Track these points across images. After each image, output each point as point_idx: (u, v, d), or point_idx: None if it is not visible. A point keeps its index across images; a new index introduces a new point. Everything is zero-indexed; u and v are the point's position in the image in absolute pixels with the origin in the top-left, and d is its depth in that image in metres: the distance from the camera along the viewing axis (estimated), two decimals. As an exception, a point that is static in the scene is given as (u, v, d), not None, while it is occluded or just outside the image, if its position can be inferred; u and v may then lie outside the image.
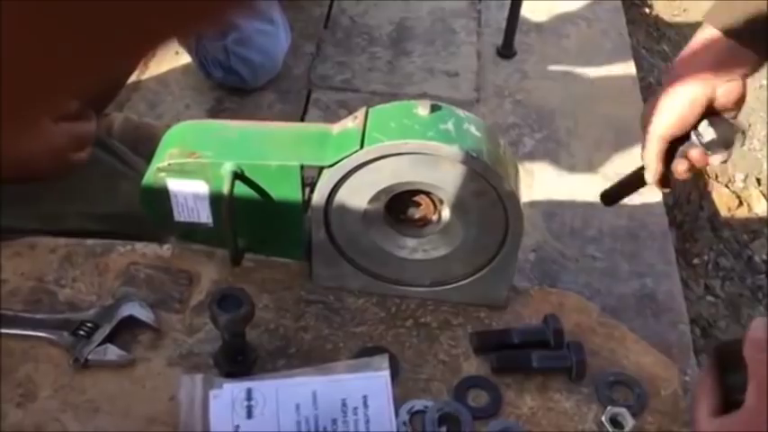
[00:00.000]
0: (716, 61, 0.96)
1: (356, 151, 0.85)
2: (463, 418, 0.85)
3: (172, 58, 1.86)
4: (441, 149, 0.84)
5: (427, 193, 0.91)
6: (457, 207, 0.90)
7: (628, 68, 1.94)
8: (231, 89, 1.74)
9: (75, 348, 0.89)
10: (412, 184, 0.89)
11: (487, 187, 0.87)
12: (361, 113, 0.89)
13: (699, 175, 1.98)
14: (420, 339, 0.95)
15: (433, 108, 0.87)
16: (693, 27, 2.54)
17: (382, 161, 0.86)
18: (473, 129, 0.88)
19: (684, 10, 2.52)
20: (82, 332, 0.90)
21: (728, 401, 0.69)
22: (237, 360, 0.88)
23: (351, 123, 0.89)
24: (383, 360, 0.89)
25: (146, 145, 1.25)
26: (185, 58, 1.86)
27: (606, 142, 1.72)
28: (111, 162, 1.13)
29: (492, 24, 1.91)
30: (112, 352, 0.89)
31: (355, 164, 0.86)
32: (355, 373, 0.87)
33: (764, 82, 2.30)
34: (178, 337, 0.93)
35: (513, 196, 0.88)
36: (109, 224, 1.09)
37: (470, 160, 0.85)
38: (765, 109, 2.20)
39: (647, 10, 2.48)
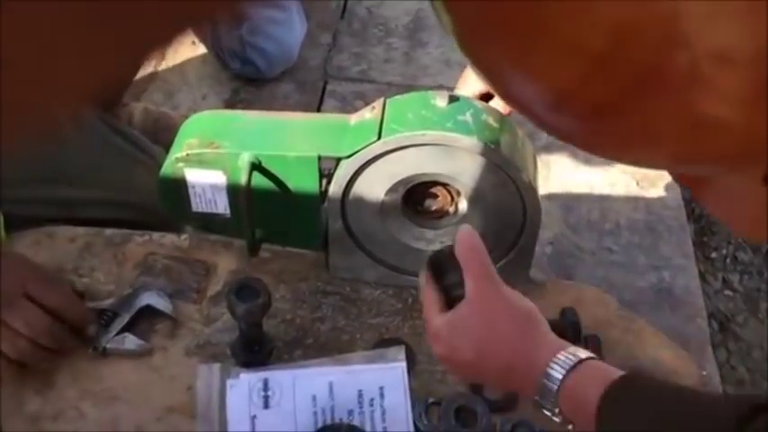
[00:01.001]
0: None
1: (374, 142, 0.85)
2: (480, 411, 0.85)
3: (189, 48, 1.86)
4: (459, 141, 0.84)
5: (444, 185, 0.91)
6: (474, 199, 0.90)
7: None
8: (248, 80, 1.75)
9: (93, 337, 0.89)
10: (429, 176, 0.88)
11: (505, 179, 0.87)
12: (378, 104, 0.89)
13: (717, 168, 1.96)
14: (436, 331, 0.95)
15: (451, 99, 0.87)
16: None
17: (400, 152, 0.86)
18: (491, 120, 0.87)
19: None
20: (101, 321, 0.91)
21: (450, 300, 0.76)
22: (254, 350, 0.89)
23: (368, 114, 0.89)
24: (399, 351, 0.89)
25: (165, 135, 1.26)
26: (202, 49, 1.86)
27: (624, 134, 1.71)
28: (130, 150, 1.14)
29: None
30: (131, 341, 0.90)
31: (373, 155, 0.86)
32: (372, 365, 0.88)
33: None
34: (195, 327, 0.94)
35: (531, 188, 0.87)
36: (127, 212, 1.10)
37: (488, 152, 0.85)
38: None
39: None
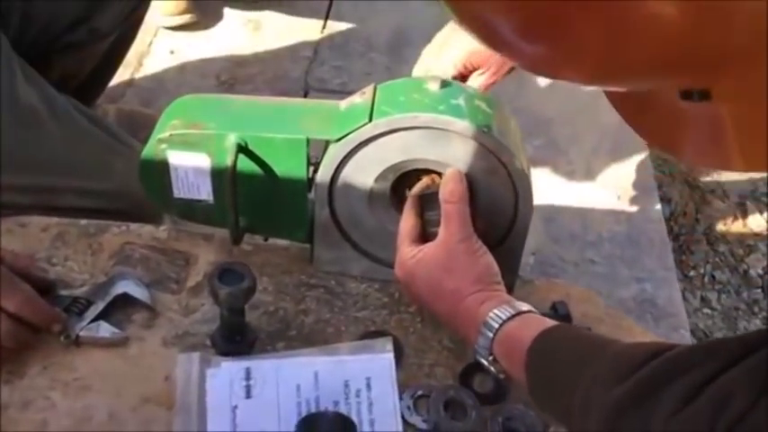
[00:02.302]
0: None
1: (364, 124, 0.83)
2: (469, 404, 0.82)
3: (167, 57, 1.84)
4: (452, 124, 0.82)
5: (435, 173, 0.89)
6: (470, 194, 0.87)
7: (625, 80, 1.93)
8: (228, 88, 1.72)
9: (66, 325, 0.85)
10: (420, 162, 0.86)
11: (497, 165, 0.85)
12: (369, 89, 0.87)
13: (694, 188, 1.98)
14: (424, 325, 0.92)
15: (444, 84, 0.85)
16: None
17: (391, 136, 0.84)
18: (484, 105, 0.86)
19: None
20: (74, 309, 0.86)
21: (425, 235, 0.85)
22: (236, 340, 0.85)
23: (358, 99, 0.87)
24: (387, 342, 0.86)
25: (142, 132, 1.23)
26: (181, 57, 1.84)
27: (604, 150, 1.71)
28: (107, 140, 1.10)
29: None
30: (105, 329, 0.86)
31: (363, 138, 0.84)
32: (358, 355, 0.84)
33: (757, 101, 2.31)
34: (174, 318, 0.90)
35: (524, 174, 0.86)
36: (104, 202, 1.06)
37: (481, 136, 0.83)
38: (759, 127, 2.21)
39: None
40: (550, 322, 0.74)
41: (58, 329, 0.84)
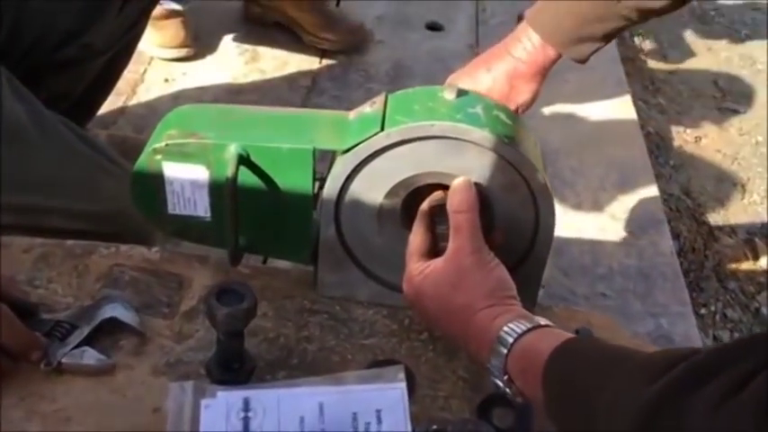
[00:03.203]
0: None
1: (376, 134, 0.77)
2: (489, 439, 0.75)
3: (161, 85, 1.79)
4: (470, 133, 0.77)
5: (449, 188, 0.83)
6: (482, 205, 0.81)
7: (629, 113, 1.90)
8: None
9: (47, 350, 0.77)
10: (434, 175, 0.80)
11: (518, 180, 0.80)
12: (379, 98, 0.82)
13: (701, 224, 1.93)
14: (437, 353, 0.85)
15: (460, 93, 0.80)
16: (687, 82, 2.52)
17: (404, 147, 0.78)
18: (503, 116, 0.81)
19: (677, 68, 2.53)
20: (56, 333, 0.79)
21: (437, 249, 0.79)
22: (233, 368, 0.78)
23: (369, 108, 0.81)
24: (398, 371, 0.79)
25: (133, 158, 1.17)
26: (175, 86, 1.79)
27: (611, 182, 1.67)
28: (96, 158, 1.04)
29: (492, 65, 1.88)
30: (90, 356, 0.78)
31: (374, 148, 0.78)
32: (367, 385, 0.77)
33: (761, 138, 2.28)
34: (165, 344, 0.82)
35: (546, 190, 0.80)
36: (91, 223, 0.99)
37: (501, 147, 0.77)
38: (764, 164, 2.18)
39: (642, 64, 2.48)
40: (568, 335, 0.68)
41: (38, 357, 0.77)
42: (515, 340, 0.70)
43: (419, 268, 0.79)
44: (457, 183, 0.78)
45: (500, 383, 0.71)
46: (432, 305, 0.78)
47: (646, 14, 0.90)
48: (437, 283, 0.77)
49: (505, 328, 0.71)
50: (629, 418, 0.54)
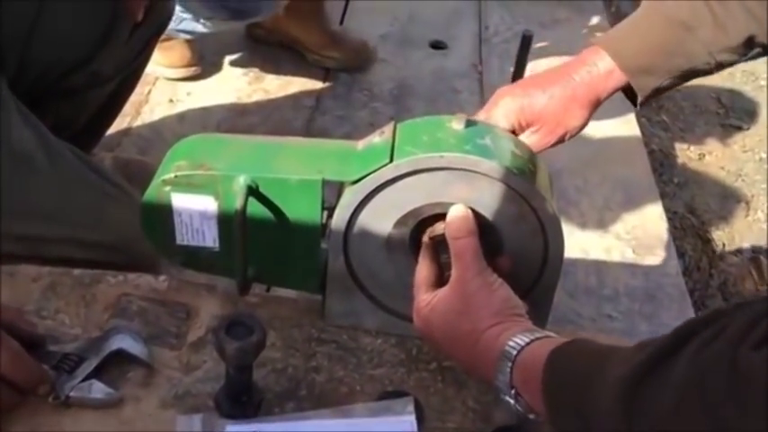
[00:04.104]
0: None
1: (385, 165, 0.77)
2: (500, 472, 0.75)
3: (166, 106, 1.79)
4: (479, 164, 0.77)
5: (458, 219, 0.82)
6: (490, 236, 0.81)
7: (633, 131, 1.90)
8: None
9: (55, 384, 0.77)
10: (443, 206, 0.80)
11: (526, 211, 0.79)
12: (388, 128, 0.82)
13: (706, 242, 1.92)
14: (446, 384, 0.85)
15: (469, 123, 0.80)
16: (690, 99, 2.52)
17: (413, 178, 0.78)
18: (512, 146, 0.81)
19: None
20: (64, 366, 0.79)
21: (443, 279, 0.79)
22: (242, 401, 0.78)
23: (377, 138, 0.81)
24: (408, 403, 0.78)
25: (138, 180, 1.17)
26: (181, 106, 1.79)
27: (615, 201, 1.66)
28: (103, 186, 1.04)
29: (495, 84, 1.87)
30: (98, 389, 0.78)
31: (383, 180, 0.78)
32: (377, 417, 0.77)
33: (764, 155, 2.28)
34: (173, 376, 0.82)
35: (556, 221, 0.80)
36: (97, 253, 0.99)
37: (511, 178, 0.77)
38: (767, 181, 2.17)
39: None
40: (565, 339, 0.68)
41: (46, 390, 0.77)
42: (518, 353, 0.70)
43: (426, 299, 0.79)
44: (453, 211, 0.79)
45: (510, 400, 0.71)
46: (440, 335, 0.78)
47: (714, 54, 0.88)
48: (444, 312, 0.77)
49: (510, 343, 0.71)
50: (613, 401, 0.56)
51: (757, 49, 0.90)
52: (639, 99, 0.92)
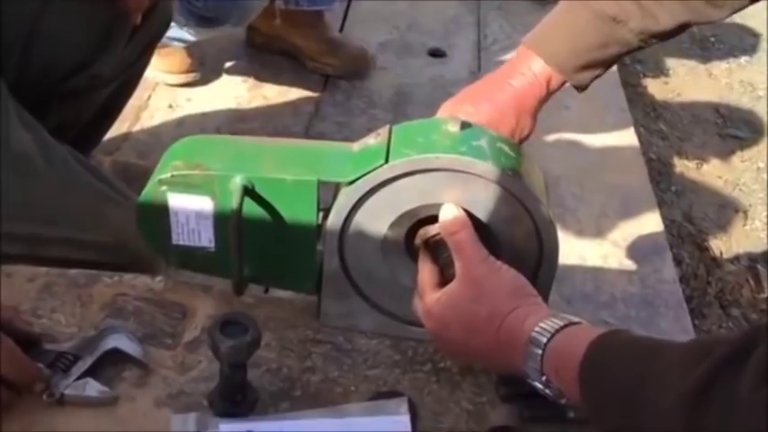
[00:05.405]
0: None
1: (380, 166, 0.78)
2: (493, 473, 0.75)
3: (165, 111, 1.80)
4: (474, 166, 0.77)
5: (453, 220, 0.83)
6: (486, 237, 0.81)
7: (631, 140, 1.91)
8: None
9: (50, 382, 0.77)
10: (438, 207, 0.80)
11: (521, 213, 0.80)
12: (384, 130, 0.82)
13: (704, 250, 1.93)
14: (440, 385, 0.85)
15: (464, 125, 0.80)
16: (688, 108, 2.53)
17: (408, 179, 0.79)
18: (507, 148, 0.81)
19: (678, 94, 2.54)
20: (59, 365, 0.79)
21: (445, 279, 0.79)
22: (236, 400, 0.78)
23: (372, 140, 0.82)
24: (402, 403, 0.79)
25: (137, 184, 1.17)
26: (179, 112, 1.80)
27: (613, 209, 1.67)
28: (101, 188, 1.04)
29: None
30: (93, 387, 0.78)
31: (379, 181, 0.78)
32: (370, 417, 0.77)
33: (762, 165, 2.29)
34: (168, 375, 0.82)
35: (551, 223, 0.80)
36: (94, 253, 0.99)
37: (506, 180, 0.78)
38: (765, 190, 2.18)
39: (643, 90, 2.49)
40: (602, 331, 0.68)
41: (41, 388, 0.77)
42: (548, 340, 0.69)
43: (435, 298, 0.78)
44: (444, 210, 0.79)
45: (539, 385, 0.71)
46: (457, 329, 0.77)
47: (647, 39, 0.91)
48: (456, 306, 0.76)
49: (537, 329, 0.70)
50: (677, 404, 0.55)
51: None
52: (581, 90, 0.94)
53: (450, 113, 0.90)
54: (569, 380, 0.66)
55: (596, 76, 0.94)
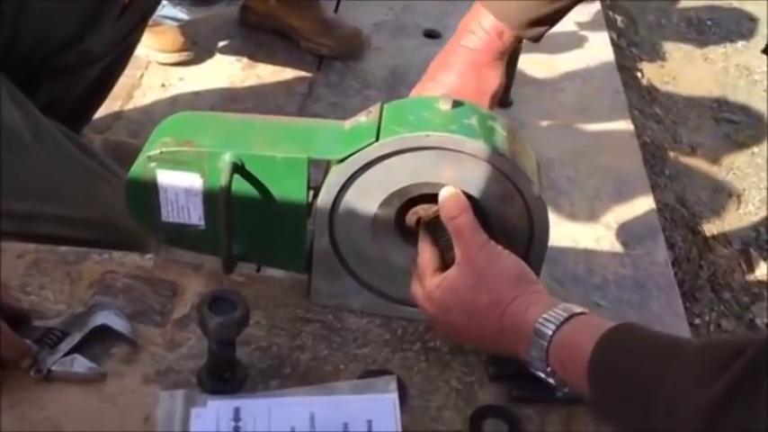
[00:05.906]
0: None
1: (371, 144, 0.77)
2: (481, 451, 0.75)
3: (158, 90, 1.79)
4: (464, 144, 0.77)
5: (444, 200, 0.82)
6: (477, 215, 0.81)
7: (625, 124, 1.90)
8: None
9: (37, 358, 0.77)
10: (428, 186, 0.80)
11: (512, 191, 0.79)
12: (375, 108, 0.82)
13: (697, 234, 1.93)
14: (430, 365, 0.85)
15: (455, 104, 0.80)
16: (683, 92, 2.52)
17: (399, 157, 0.78)
18: (498, 127, 0.81)
19: (674, 78, 2.53)
20: (47, 341, 0.79)
21: (445, 263, 0.78)
22: (225, 377, 0.78)
23: (364, 118, 0.81)
24: (390, 381, 0.78)
25: (128, 163, 1.16)
26: (173, 91, 1.79)
27: (606, 192, 1.67)
28: (92, 165, 1.04)
29: (488, 74, 1.88)
30: (80, 364, 0.78)
31: (369, 158, 0.78)
32: (359, 395, 0.77)
33: (756, 149, 2.29)
34: (157, 352, 0.82)
35: (541, 203, 0.80)
36: (85, 231, 0.99)
37: (496, 158, 0.77)
38: (759, 175, 2.18)
39: (639, 74, 2.49)
40: (608, 323, 0.67)
41: (28, 364, 0.77)
42: (554, 332, 0.69)
43: (435, 283, 0.77)
44: (444, 192, 0.78)
45: (543, 375, 0.71)
46: (458, 314, 0.77)
47: None
48: (457, 291, 0.76)
49: (540, 320, 0.70)
50: (694, 417, 0.54)
51: None
52: (533, 42, 0.95)
53: (418, 95, 0.91)
54: (578, 374, 0.66)
55: (547, 30, 0.94)
